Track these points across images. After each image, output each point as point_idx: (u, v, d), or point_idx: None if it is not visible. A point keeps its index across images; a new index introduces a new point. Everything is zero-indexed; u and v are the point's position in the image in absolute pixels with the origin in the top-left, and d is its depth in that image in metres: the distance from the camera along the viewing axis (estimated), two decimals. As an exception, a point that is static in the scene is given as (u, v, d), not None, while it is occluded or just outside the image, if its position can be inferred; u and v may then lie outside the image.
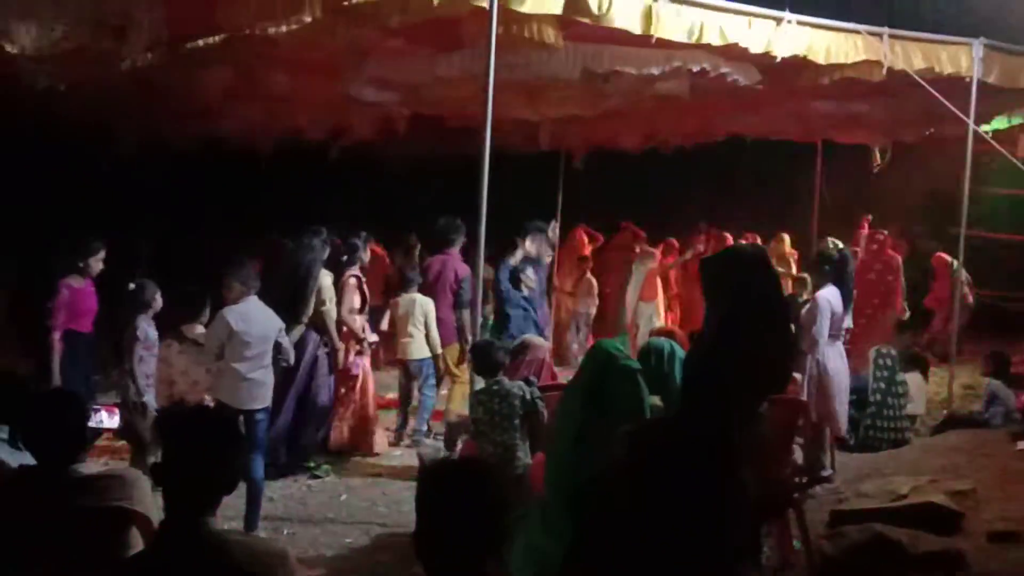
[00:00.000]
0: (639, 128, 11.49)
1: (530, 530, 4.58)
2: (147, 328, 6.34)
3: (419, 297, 8.15)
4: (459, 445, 6.77)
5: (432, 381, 8.17)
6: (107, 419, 6.10)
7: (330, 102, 9.42)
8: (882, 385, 7.98)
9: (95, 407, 5.91)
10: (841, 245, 7.82)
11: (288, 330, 6.66)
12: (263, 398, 5.97)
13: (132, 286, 6.48)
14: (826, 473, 6.76)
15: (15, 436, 3.39)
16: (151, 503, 3.08)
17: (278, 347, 6.10)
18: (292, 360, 6.39)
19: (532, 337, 6.50)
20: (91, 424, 3.56)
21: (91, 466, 3.32)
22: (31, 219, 10.58)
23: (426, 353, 8.03)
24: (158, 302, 6.41)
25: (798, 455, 6.22)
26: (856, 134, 11.59)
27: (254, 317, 5.97)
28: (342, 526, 6.24)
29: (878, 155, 11.87)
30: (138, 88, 8.23)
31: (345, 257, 7.84)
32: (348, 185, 14.60)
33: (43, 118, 9.97)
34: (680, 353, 4.74)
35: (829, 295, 6.87)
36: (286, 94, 8.74)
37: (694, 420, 3.17)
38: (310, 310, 7.28)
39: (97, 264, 7.01)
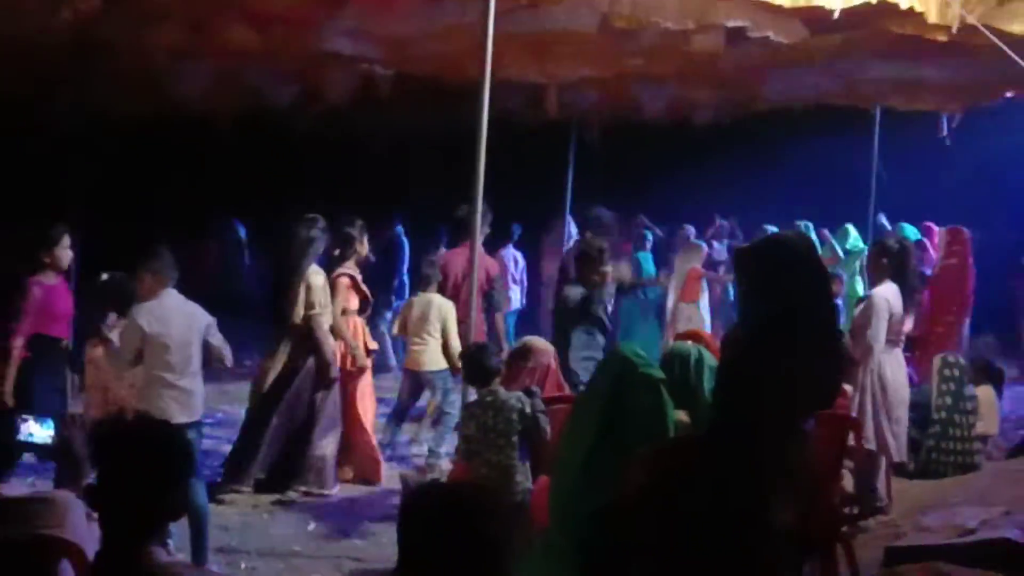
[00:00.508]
0: (665, 95, 11.44)
1: (531, 568, 4.58)
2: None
3: (436, 298, 8.17)
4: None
5: (453, 397, 7.97)
6: (37, 431, 6.07)
7: (297, 59, 9.39)
8: (948, 400, 7.98)
9: (23, 417, 5.86)
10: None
11: (279, 338, 6.79)
12: (193, 409, 5.93)
13: (104, 277, 6.50)
14: (881, 503, 6.76)
15: None
16: (85, 531, 3.09)
17: (208, 347, 6.04)
18: (230, 362, 6.32)
19: (535, 340, 6.49)
20: (18, 437, 3.53)
21: (16, 487, 3.32)
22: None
23: (443, 364, 8.03)
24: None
25: (848, 481, 6.22)
26: (922, 99, 11.51)
27: (171, 315, 5.91)
28: (309, 560, 6.24)
29: (946, 123, 11.82)
30: (76, 46, 8.21)
31: (338, 251, 7.79)
32: (320, 162, 14.61)
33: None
34: (709, 360, 4.73)
35: (887, 293, 6.86)
36: (245, 50, 8.70)
37: (726, 440, 3.15)
38: (298, 314, 7.26)
39: (65, 255, 6.92)
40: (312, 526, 6.87)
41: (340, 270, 7.70)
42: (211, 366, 6.18)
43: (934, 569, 5.05)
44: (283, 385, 7.31)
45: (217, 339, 6.10)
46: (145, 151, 14.19)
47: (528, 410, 5.35)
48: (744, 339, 4.60)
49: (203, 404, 6.06)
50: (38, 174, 10.64)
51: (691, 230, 12.64)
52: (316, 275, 7.32)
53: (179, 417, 5.71)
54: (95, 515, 2.68)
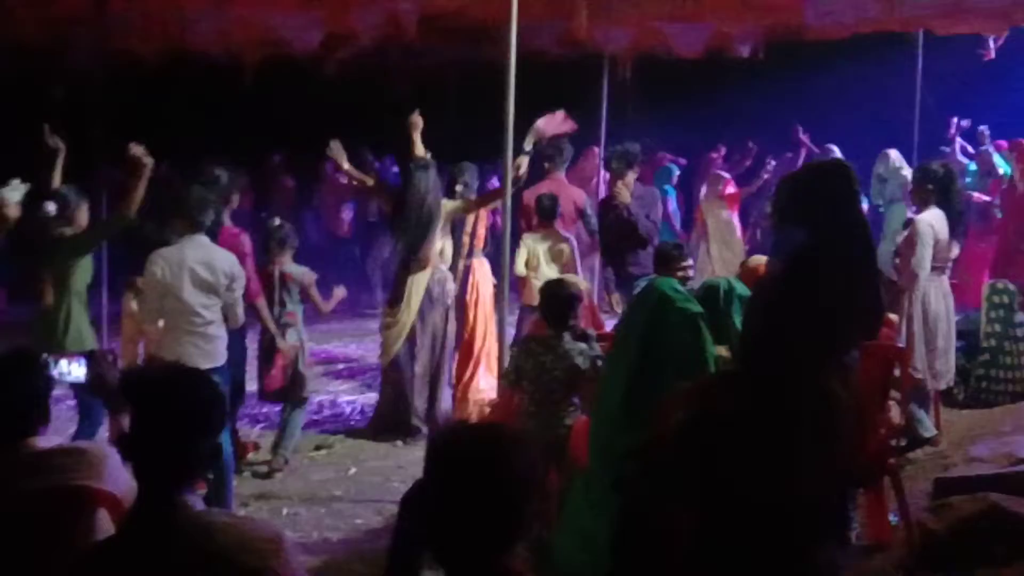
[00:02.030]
0: (702, 28, 11.22)
1: (572, 506, 4.58)
2: None
3: (563, 232, 8.29)
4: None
5: None
6: (71, 369, 6.09)
7: (324, 3, 9.32)
8: (997, 327, 7.90)
9: (54, 358, 5.84)
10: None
11: (411, 271, 7.17)
12: (215, 355, 5.85)
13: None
14: (929, 434, 6.71)
15: None
16: (123, 481, 3.09)
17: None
18: (240, 322, 6.15)
19: (571, 276, 6.46)
20: (51, 375, 3.57)
21: (52, 439, 3.33)
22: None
23: None
24: None
25: (895, 412, 6.17)
26: (965, 22, 11.26)
27: (188, 262, 5.77)
28: (350, 505, 6.29)
29: (991, 43, 11.56)
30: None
31: (459, 188, 8.15)
32: (346, 106, 14.54)
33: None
34: (740, 291, 4.67)
35: (932, 219, 6.77)
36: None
37: (763, 374, 3.10)
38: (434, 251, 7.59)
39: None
40: (353, 471, 6.94)
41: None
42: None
43: (985, 500, 5.01)
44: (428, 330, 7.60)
45: (232, 297, 5.94)
46: (168, 98, 14.19)
47: (587, 365, 5.25)
48: (780, 268, 4.56)
49: (225, 349, 5.96)
50: (61, 121, 10.59)
51: (717, 158, 12.49)
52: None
53: (201, 363, 5.58)
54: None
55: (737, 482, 2.92)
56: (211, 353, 5.82)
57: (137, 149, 6.00)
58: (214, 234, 6.27)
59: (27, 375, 3.25)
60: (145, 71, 11.63)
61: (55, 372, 3.62)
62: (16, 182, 5.84)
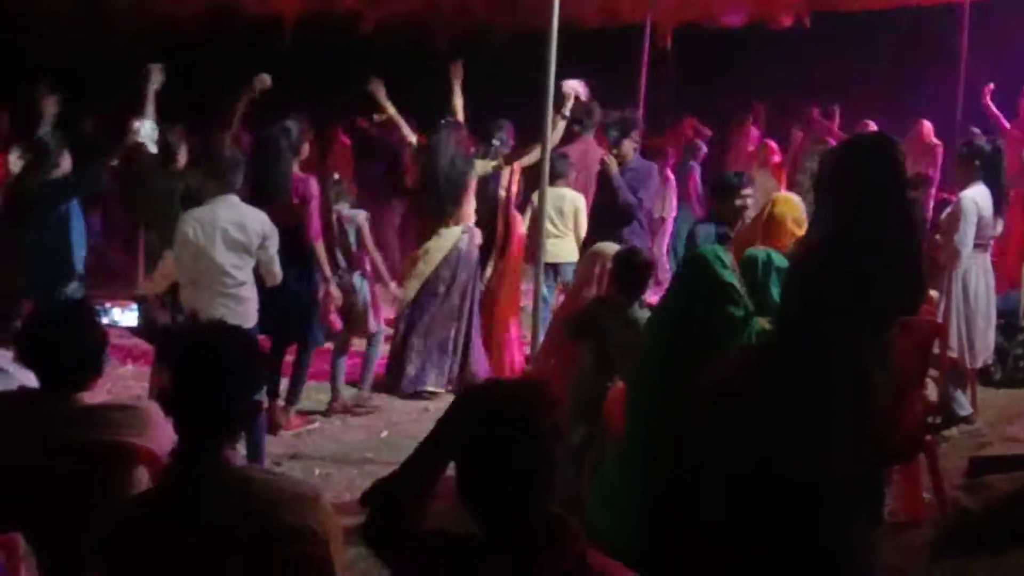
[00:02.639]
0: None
1: (605, 473, 4.60)
2: None
3: (569, 192, 8.34)
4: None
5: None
6: (122, 316, 6.15)
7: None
8: (1037, 307, 7.83)
9: (105, 306, 5.92)
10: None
11: (437, 227, 7.23)
12: (246, 316, 5.83)
13: None
14: (965, 412, 6.68)
15: None
16: (167, 439, 3.13)
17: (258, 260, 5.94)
18: (278, 279, 6.11)
19: (605, 245, 6.43)
20: (104, 321, 3.62)
21: (99, 394, 3.38)
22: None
23: (577, 256, 8.10)
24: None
25: (931, 390, 6.14)
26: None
27: (220, 222, 5.76)
28: (383, 467, 6.27)
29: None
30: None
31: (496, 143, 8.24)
32: (384, 65, 14.52)
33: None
34: (778, 262, 4.63)
35: (976, 195, 6.70)
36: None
37: (803, 348, 3.09)
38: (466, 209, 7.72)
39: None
40: (385, 433, 6.97)
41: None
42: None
43: (1020, 479, 4.99)
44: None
45: (267, 255, 5.95)
46: (207, 53, 14.22)
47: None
48: (819, 240, 4.53)
49: (256, 311, 5.96)
50: (102, 75, 10.70)
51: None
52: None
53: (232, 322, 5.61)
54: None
55: (769, 457, 2.93)
56: (243, 314, 5.80)
57: None
58: (285, 180, 6.59)
59: (80, 327, 3.29)
60: (184, 31, 11.70)
61: (106, 319, 3.67)
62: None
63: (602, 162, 7.77)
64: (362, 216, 7.37)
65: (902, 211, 4.66)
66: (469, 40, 14.07)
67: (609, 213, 7.68)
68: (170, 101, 6.59)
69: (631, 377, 4.60)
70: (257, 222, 5.91)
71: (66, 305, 3.68)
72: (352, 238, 7.29)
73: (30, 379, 3.41)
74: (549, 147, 6.17)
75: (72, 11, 10.96)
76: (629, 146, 7.82)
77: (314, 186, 6.90)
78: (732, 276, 4.31)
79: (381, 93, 8.15)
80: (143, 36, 8.99)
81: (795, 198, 5.91)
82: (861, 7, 11.52)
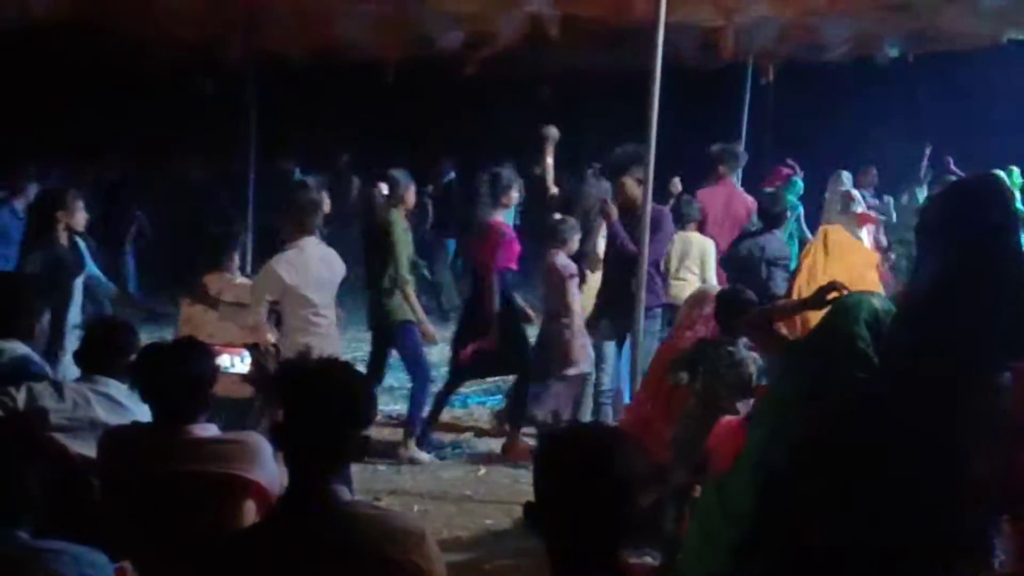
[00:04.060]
0: (851, 30, 10.94)
1: (702, 510, 4.56)
2: None
3: (696, 236, 8.32)
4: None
5: None
6: (233, 363, 6.29)
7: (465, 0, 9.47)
8: None
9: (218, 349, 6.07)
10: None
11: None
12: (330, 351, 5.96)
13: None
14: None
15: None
16: (274, 474, 3.21)
17: None
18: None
19: (710, 286, 6.42)
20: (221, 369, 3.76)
21: (210, 427, 3.47)
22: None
23: None
24: None
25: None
26: None
27: (311, 263, 5.99)
28: (480, 505, 6.36)
29: None
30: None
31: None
32: (485, 106, 14.70)
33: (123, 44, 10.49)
34: (883, 307, 4.53)
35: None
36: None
37: (911, 392, 3.06)
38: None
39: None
40: (483, 471, 7.02)
41: None
42: None
43: None
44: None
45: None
46: (314, 95, 14.54)
47: (757, 375, 5.27)
48: (925, 287, 4.45)
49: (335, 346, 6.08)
50: (214, 118, 11.03)
51: (846, 176, 12.15)
52: None
53: None
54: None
55: (879, 501, 2.90)
56: (329, 350, 5.94)
57: None
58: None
59: (193, 363, 3.39)
60: (291, 69, 11.97)
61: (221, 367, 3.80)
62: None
63: (603, 205, 7.20)
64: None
65: (1016, 252, 4.56)
66: (572, 79, 14.19)
67: (617, 263, 7.02)
68: (275, 139, 6.78)
69: (758, 417, 4.53)
70: (337, 259, 6.23)
71: (180, 341, 3.80)
72: None
73: (144, 412, 3.52)
74: (650, 190, 6.21)
75: (180, 53, 11.29)
76: (634, 186, 6.87)
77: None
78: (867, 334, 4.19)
79: (551, 142, 8.17)
80: (250, 76, 9.24)
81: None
82: (965, 44, 11.24)
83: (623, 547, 2.31)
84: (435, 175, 13.48)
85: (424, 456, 7.20)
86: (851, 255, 7.65)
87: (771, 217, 8.05)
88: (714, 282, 7.89)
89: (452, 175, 13.48)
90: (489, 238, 7.26)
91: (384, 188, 7.52)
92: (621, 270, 6.84)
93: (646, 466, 2.39)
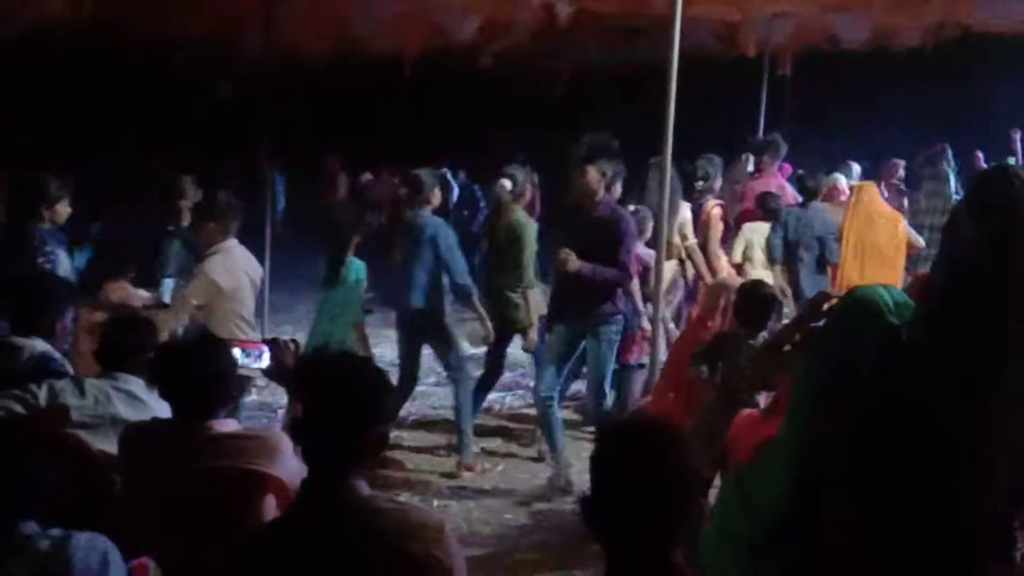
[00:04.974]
0: (868, 21, 10.87)
1: (722, 503, 4.54)
2: None
3: (758, 225, 8.34)
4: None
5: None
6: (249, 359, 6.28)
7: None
8: None
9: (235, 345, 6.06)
10: None
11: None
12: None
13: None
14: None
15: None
16: (293, 469, 3.21)
17: None
18: None
19: (729, 277, 6.40)
20: (240, 364, 3.76)
21: (231, 423, 3.49)
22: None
23: None
24: None
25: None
26: None
27: (240, 265, 6.05)
28: (500, 500, 6.37)
29: None
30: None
31: (700, 183, 8.16)
32: (501, 99, 14.67)
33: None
34: (899, 298, 4.50)
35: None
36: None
37: (936, 381, 3.05)
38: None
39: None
40: (501, 467, 7.05)
41: (713, 202, 8.14)
42: None
43: None
44: None
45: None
46: (332, 91, 14.55)
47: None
48: (945, 275, 4.41)
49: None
50: (231, 115, 11.07)
51: (856, 169, 12.09)
52: (684, 208, 7.75)
53: None
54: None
55: (905, 500, 2.91)
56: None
57: None
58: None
59: (212, 358, 3.40)
60: (310, 67, 11.99)
61: (241, 363, 3.79)
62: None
63: (561, 261, 6.30)
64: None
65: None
66: (586, 72, 14.16)
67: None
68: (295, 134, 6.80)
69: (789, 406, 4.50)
70: (255, 261, 6.31)
71: (199, 337, 3.81)
72: None
73: (164, 408, 3.54)
74: (667, 183, 6.17)
75: (198, 53, 11.33)
76: (596, 178, 6.33)
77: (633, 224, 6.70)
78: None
79: None
80: (270, 75, 9.26)
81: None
82: (984, 30, 11.13)
83: (679, 543, 2.30)
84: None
85: None
86: (879, 214, 8.33)
87: (809, 191, 8.45)
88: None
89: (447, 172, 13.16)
90: None
91: (508, 184, 7.30)
92: (574, 278, 6.28)
93: (702, 461, 2.38)
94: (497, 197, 7.39)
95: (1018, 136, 11.72)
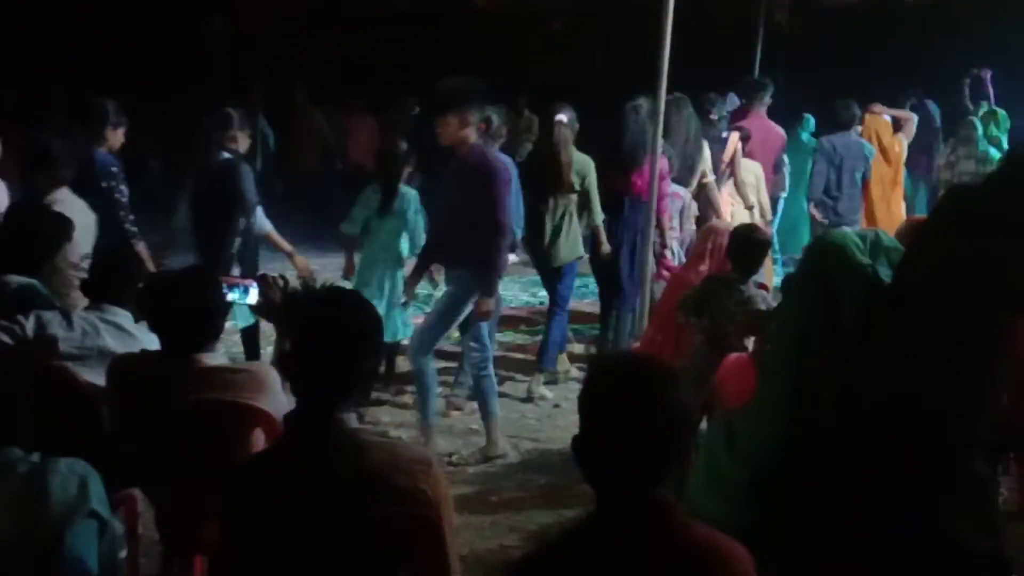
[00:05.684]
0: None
1: (710, 451, 4.55)
2: None
3: (748, 163, 8.36)
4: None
5: None
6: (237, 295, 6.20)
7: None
8: None
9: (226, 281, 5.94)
10: None
11: None
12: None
13: None
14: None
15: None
16: (281, 404, 3.20)
17: None
18: None
19: (719, 221, 6.39)
20: (228, 299, 3.71)
21: (218, 357, 3.48)
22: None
23: None
24: None
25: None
26: None
27: (76, 218, 5.39)
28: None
29: None
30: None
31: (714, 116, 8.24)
32: (493, 44, 14.55)
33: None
34: (886, 242, 4.48)
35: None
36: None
37: (912, 330, 3.05)
38: None
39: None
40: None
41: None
42: None
43: None
44: None
45: None
46: (324, 23, 14.39)
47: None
48: (944, 220, 4.40)
49: None
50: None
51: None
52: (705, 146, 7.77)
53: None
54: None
55: (886, 438, 2.92)
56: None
57: None
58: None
59: (201, 292, 3.39)
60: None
61: (229, 298, 3.75)
62: None
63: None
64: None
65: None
66: (582, 15, 14.02)
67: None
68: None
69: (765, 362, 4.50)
70: (86, 207, 5.70)
71: (188, 270, 3.79)
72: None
73: (152, 340, 3.52)
74: (660, 126, 6.14)
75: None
76: (457, 127, 5.67)
77: (665, 164, 6.87)
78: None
79: None
80: (264, 14, 9.20)
81: None
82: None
83: (664, 480, 2.26)
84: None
85: (549, 394, 7.13)
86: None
87: (843, 121, 8.98)
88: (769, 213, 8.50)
89: (417, 110, 11.91)
90: None
91: (564, 118, 7.05)
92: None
93: (695, 400, 2.36)
94: (555, 132, 7.07)
95: (988, 76, 11.77)
